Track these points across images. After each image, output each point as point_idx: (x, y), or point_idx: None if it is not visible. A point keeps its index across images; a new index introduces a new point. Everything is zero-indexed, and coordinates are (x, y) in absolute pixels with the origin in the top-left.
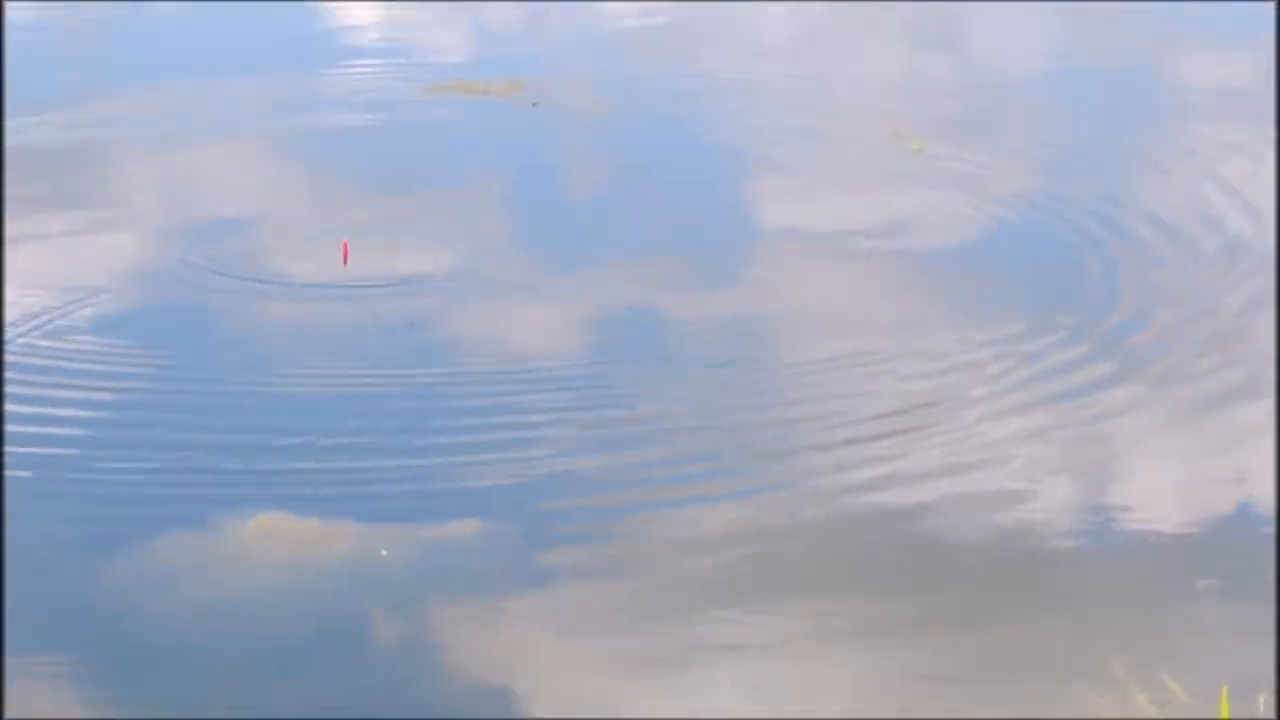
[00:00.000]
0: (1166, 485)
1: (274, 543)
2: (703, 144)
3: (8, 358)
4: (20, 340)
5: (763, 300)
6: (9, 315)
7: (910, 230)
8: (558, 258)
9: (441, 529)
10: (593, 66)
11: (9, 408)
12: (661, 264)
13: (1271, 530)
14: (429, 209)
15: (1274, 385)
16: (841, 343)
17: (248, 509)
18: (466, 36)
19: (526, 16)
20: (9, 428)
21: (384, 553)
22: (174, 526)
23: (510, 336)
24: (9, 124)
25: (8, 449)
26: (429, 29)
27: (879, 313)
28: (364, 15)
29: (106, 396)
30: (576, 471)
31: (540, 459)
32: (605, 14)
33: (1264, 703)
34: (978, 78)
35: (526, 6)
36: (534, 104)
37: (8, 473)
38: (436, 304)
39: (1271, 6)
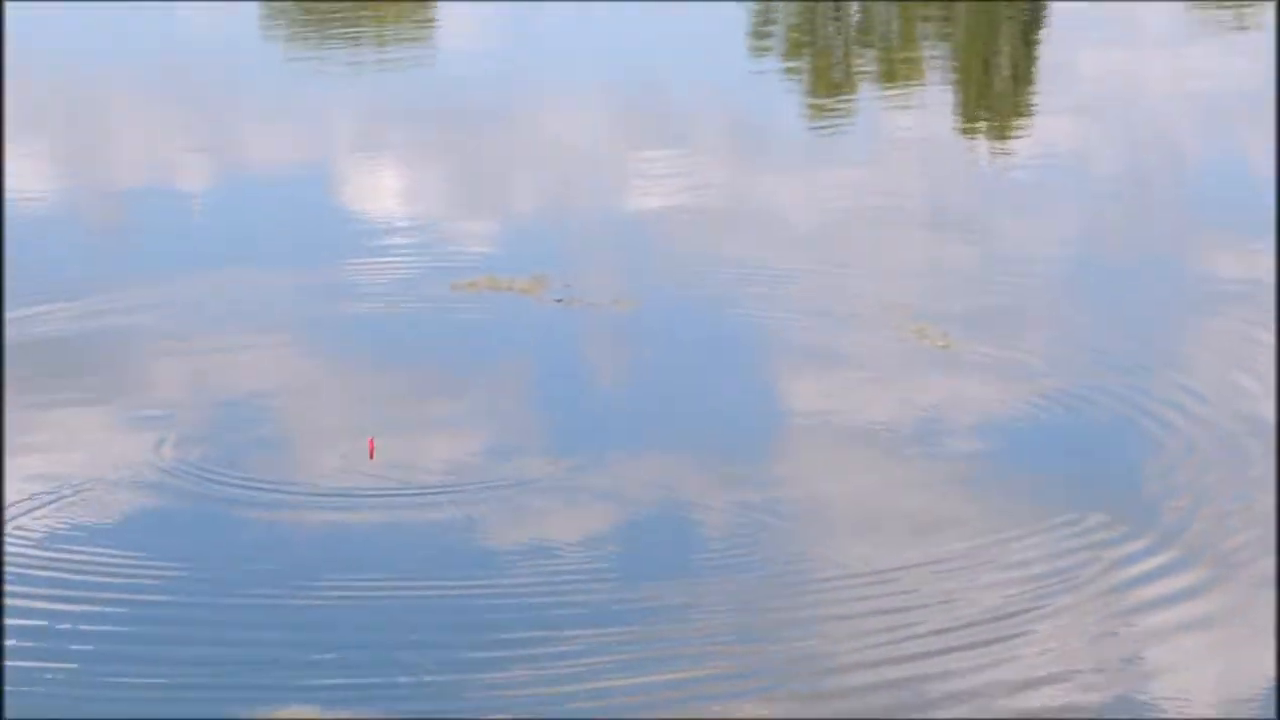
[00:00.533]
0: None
1: None
2: (729, 336)
3: (13, 565)
4: (25, 550)
5: (792, 498)
6: (14, 511)
7: (940, 426)
8: (584, 454)
9: None
10: (617, 259)
11: (15, 621)
12: (689, 459)
13: None
14: (454, 406)
15: None
16: (875, 550)
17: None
18: (492, 229)
19: (551, 207)
20: (16, 642)
21: None
22: None
23: (538, 541)
24: (32, 311)
25: (18, 664)
26: (455, 222)
27: (914, 513)
28: (391, 206)
29: (117, 610)
30: (611, 689)
31: (570, 675)
32: (629, 204)
33: None
34: (1002, 268)
35: (551, 196)
36: (558, 300)
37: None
38: (462, 509)
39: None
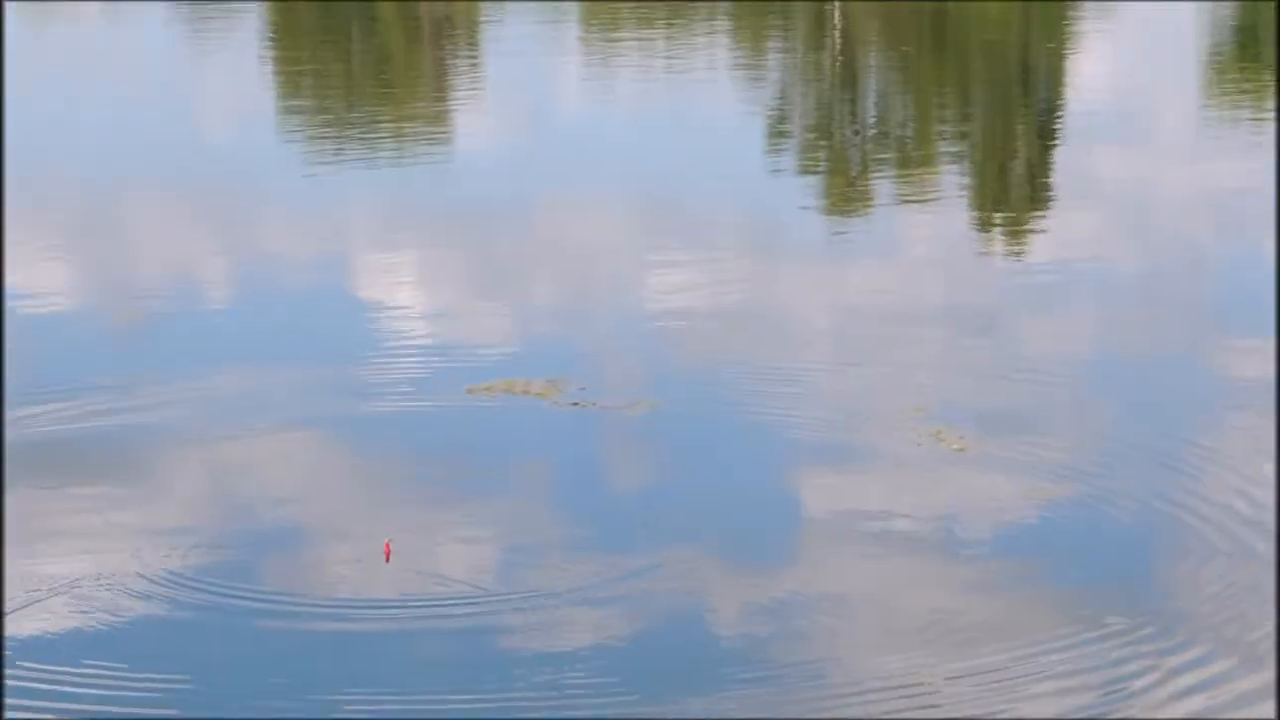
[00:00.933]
0: None
1: None
2: (746, 438)
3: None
4: (30, 662)
5: (815, 602)
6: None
7: (958, 527)
8: (602, 560)
9: None
10: (634, 361)
11: None
12: (710, 562)
13: None
14: (470, 509)
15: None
16: (902, 659)
17: None
18: (508, 329)
19: (567, 308)
20: None
21: None
22: None
23: (554, 650)
24: (45, 410)
25: None
26: (471, 322)
27: (945, 617)
28: (408, 307)
29: None
30: None
31: None
32: (646, 305)
33: None
34: (1019, 367)
35: (567, 297)
36: (574, 404)
37: None
38: (478, 623)
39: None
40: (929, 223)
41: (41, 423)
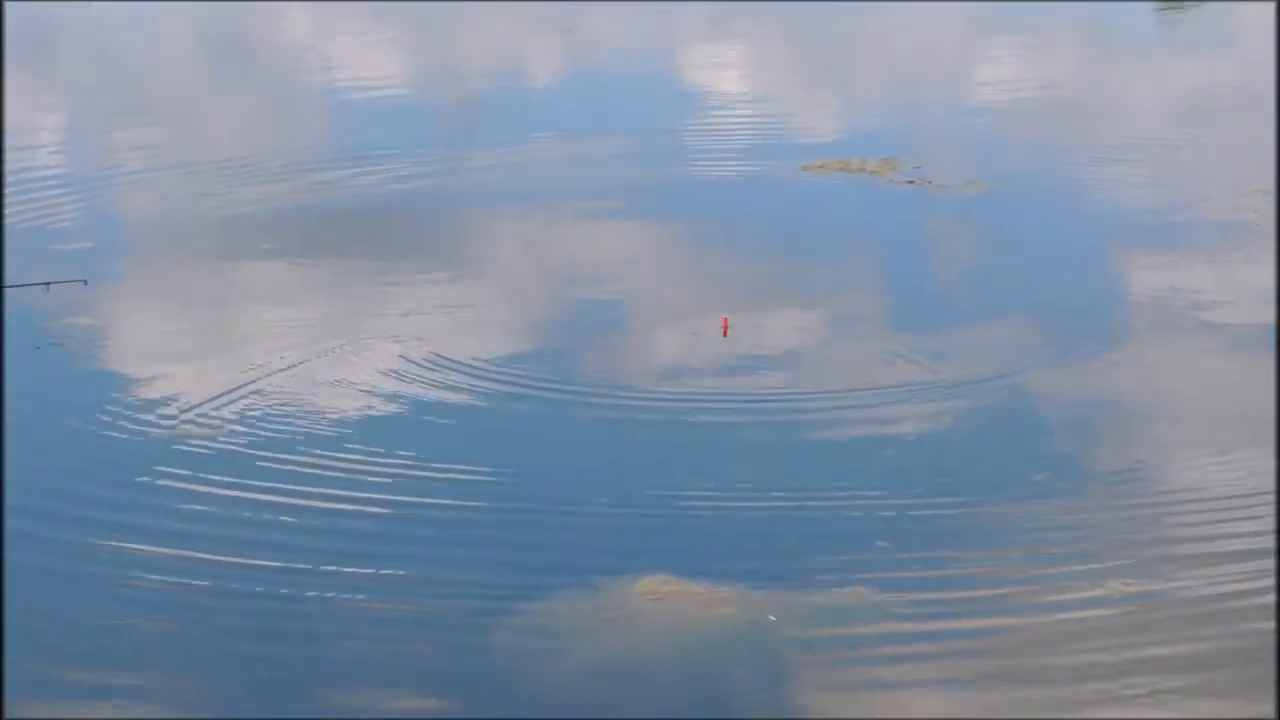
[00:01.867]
0: None
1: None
2: (1081, 219)
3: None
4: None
5: (1144, 396)
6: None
7: None
8: (932, 336)
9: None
10: (966, 144)
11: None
12: (1033, 339)
13: None
14: (804, 284)
15: None
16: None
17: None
18: (839, 115)
19: (899, 95)
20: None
21: (772, 618)
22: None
23: (869, 450)
24: (381, 172)
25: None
26: (802, 108)
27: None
28: (740, 90)
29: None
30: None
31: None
32: (976, 93)
33: None
34: None
35: (899, 85)
36: (909, 181)
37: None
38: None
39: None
40: (1263, 16)
41: (380, 182)
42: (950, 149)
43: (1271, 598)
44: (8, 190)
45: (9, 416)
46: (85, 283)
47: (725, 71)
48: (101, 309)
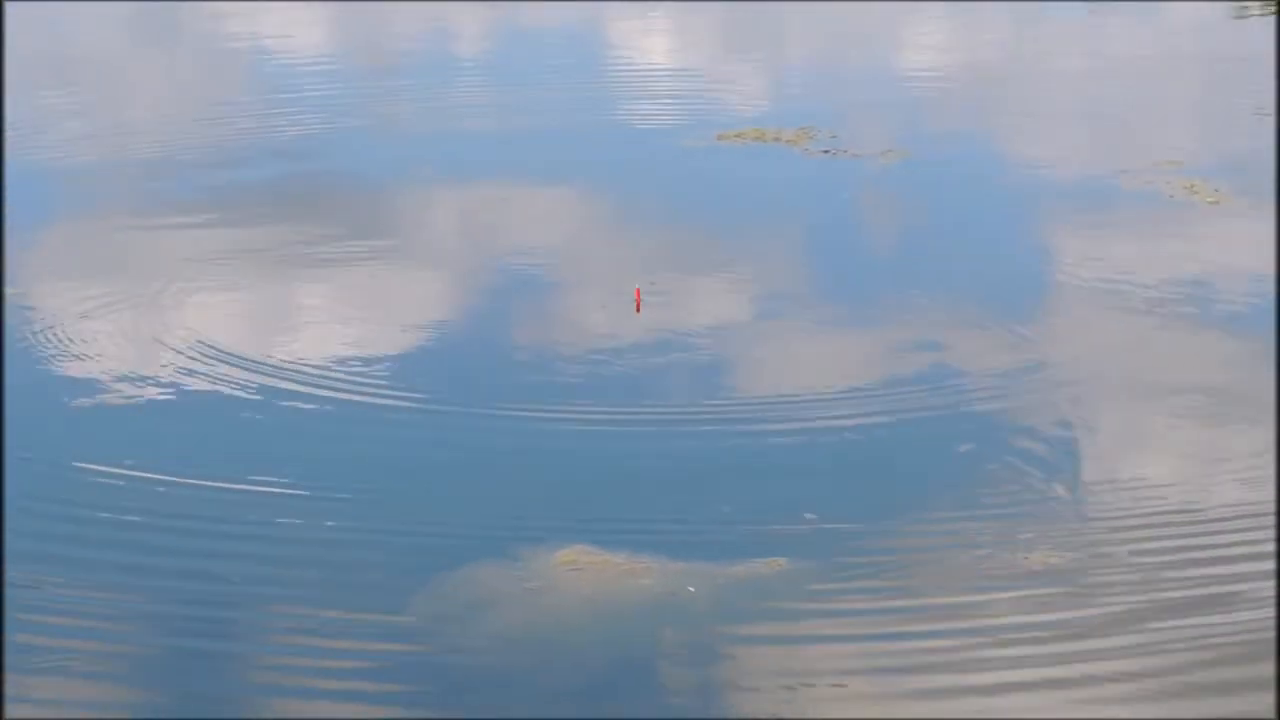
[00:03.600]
0: None
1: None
2: (995, 188)
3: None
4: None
5: (1065, 366)
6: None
7: (1214, 290)
8: (848, 304)
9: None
10: (884, 114)
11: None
12: (957, 313)
13: None
14: (721, 252)
15: None
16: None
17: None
18: (757, 86)
19: (823, 70)
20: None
21: (691, 589)
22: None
23: (804, 371)
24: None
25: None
26: (719, 78)
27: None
28: (660, 59)
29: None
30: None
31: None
32: (898, 62)
33: None
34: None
35: (819, 54)
36: (824, 151)
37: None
38: (735, 348)
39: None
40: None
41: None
42: (869, 120)
43: None
44: None
45: None
46: None
47: (650, 44)
48: None
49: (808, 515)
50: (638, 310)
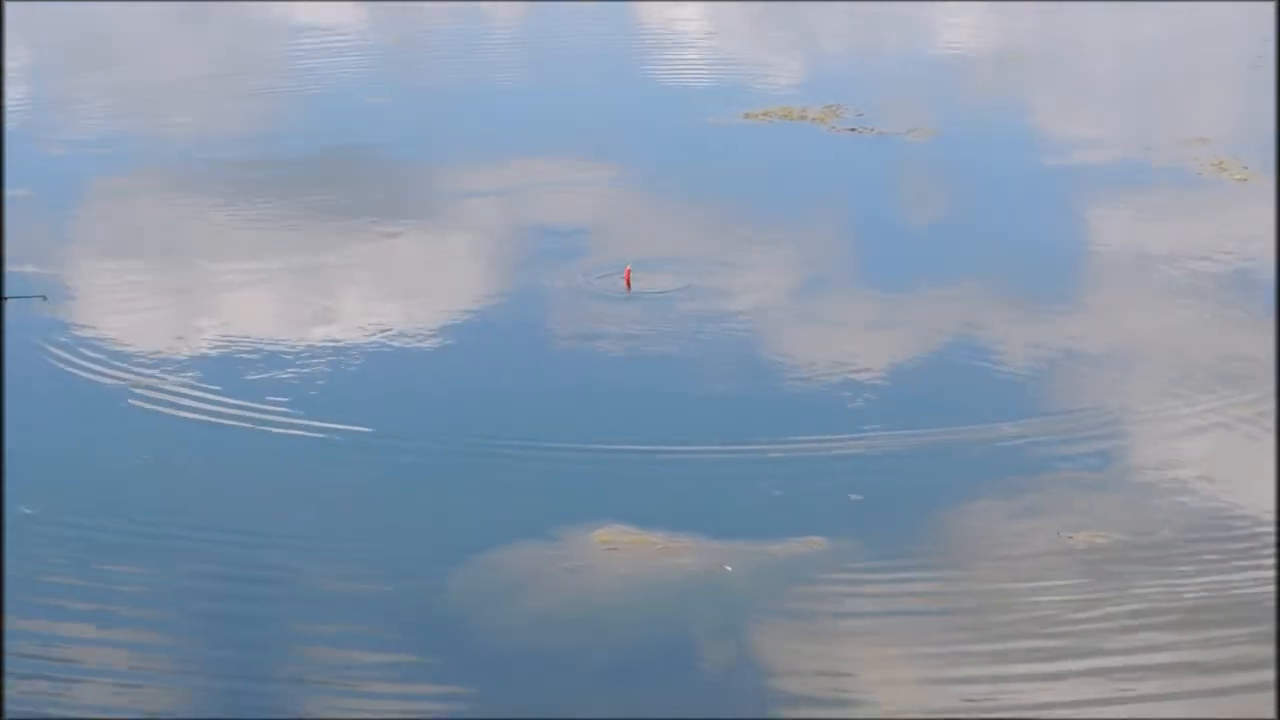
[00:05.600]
0: None
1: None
2: (1019, 170)
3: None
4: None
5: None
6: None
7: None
8: (885, 284)
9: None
10: (915, 94)
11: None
12: (991, 291)
13: None
14: (748, 233)
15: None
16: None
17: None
18: (788, 65)
19: (853, 49)
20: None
21: (728, 568)
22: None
23: (838, 350)
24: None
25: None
26: (749, 55)
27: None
28: (691, 33)
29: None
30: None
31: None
32: (932, 45)
33: None
34: None
35: (852, 38)
36: (851, 129)
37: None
38: (763, 326)
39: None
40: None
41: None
42: (896, 98)
43: None
44: None
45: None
46: (44, 298)
47: (682, 24)
48: None
49: (853, 496)
50: (628, 288)
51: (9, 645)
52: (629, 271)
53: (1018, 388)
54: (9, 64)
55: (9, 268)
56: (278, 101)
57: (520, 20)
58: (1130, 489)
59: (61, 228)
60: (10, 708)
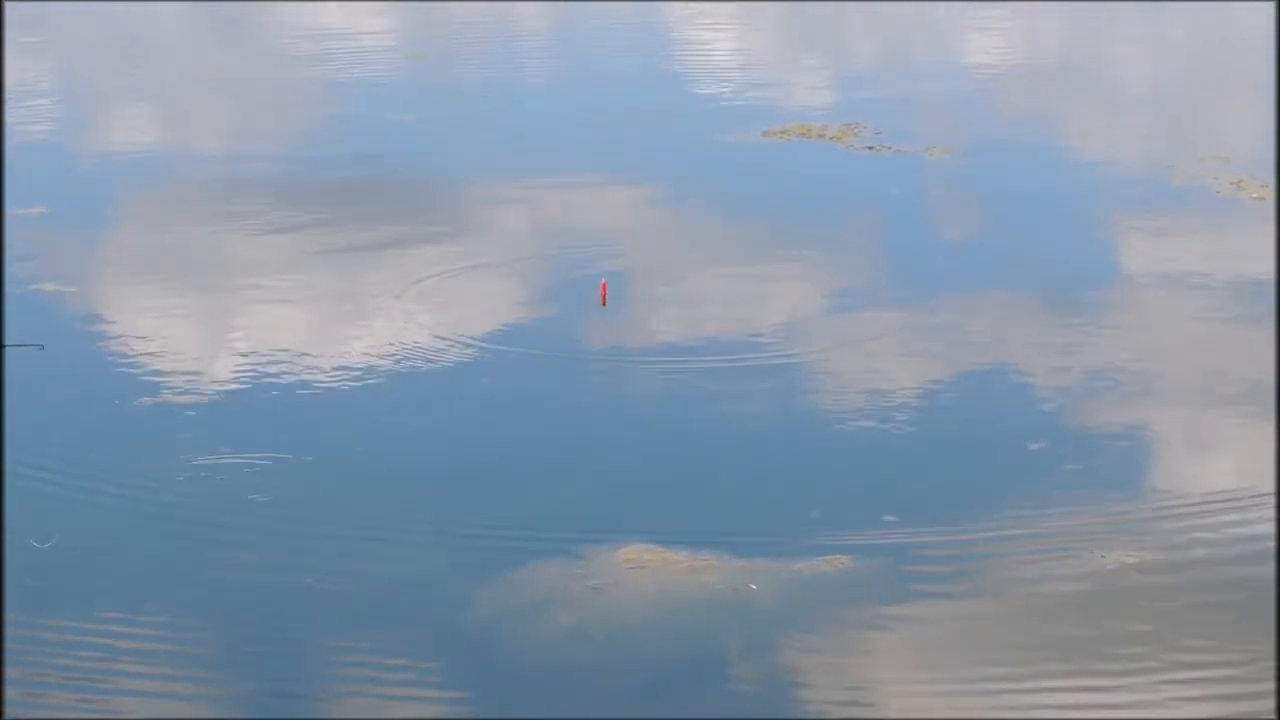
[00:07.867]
0: None
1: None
2: (1037, 187)
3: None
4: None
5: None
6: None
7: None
8: (912, 298)
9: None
10: (934, 111)
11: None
12: (1019, 307)
13: None
14: (770, 250)
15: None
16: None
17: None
18: (806, 82)
19: (871, 66)
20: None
21: (753, 586)
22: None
23: (873, 377)
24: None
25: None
26: (769, 72)
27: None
28: (709, 58)
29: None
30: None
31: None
32: (952, 63)
33: None
34: None
35: (869, 60)
36: (869, 147)
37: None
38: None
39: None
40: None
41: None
42: (914, 116)
43: None
44: None
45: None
46: (42, 347)
47: (700, 42)
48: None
49: (887, 517)
50: (603, 303)
51: (9, 645)
52: (604, 286)
53: (1043, 404)
54: (30, 73)
55: (29, 286)
56: (306, 113)
57: (549, 38)
58: (1159, 507)
59: (86, 244)
60: (10, 708)
